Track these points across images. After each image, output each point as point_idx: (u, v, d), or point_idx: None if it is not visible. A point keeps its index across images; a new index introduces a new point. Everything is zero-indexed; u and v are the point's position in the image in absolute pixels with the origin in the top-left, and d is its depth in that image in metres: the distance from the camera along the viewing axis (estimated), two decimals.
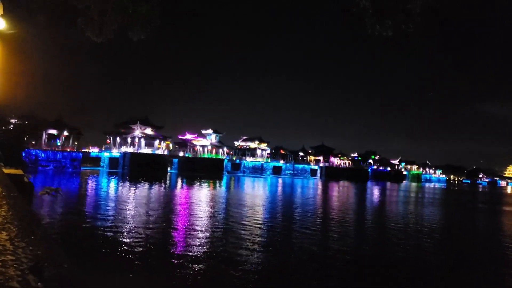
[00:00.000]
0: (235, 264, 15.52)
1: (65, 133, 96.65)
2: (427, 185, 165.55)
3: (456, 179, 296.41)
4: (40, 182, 50.09)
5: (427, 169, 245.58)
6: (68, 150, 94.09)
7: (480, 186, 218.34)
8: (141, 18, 6.73)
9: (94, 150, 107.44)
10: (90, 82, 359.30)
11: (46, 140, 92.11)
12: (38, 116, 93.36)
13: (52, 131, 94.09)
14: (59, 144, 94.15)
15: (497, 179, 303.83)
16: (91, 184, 56.55)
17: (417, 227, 29.50)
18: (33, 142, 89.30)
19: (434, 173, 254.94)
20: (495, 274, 17.38)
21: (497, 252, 22.42)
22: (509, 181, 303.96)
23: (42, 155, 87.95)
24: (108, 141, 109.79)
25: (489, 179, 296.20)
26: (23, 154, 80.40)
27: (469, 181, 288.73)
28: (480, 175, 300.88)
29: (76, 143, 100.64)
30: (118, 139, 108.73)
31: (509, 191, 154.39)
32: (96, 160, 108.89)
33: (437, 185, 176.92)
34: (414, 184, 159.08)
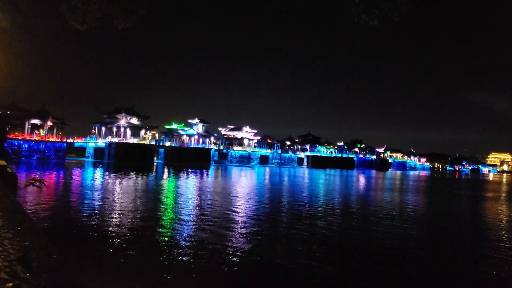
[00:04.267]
0: (225, 250, 15.62)
1: (49, 123, 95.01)
2: (411, 173, 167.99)
3: (440, 166, 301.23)
4: (24, 173, 49.35)
5: (412, 157, 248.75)
6: (52, 140, 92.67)
7: (463, 173, 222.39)
8: (126, 7, 6.62)
9: (79, 140, 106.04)
10: (75, 72, 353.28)
11: (29, 131, 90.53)
12: (21, 106, 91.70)
13: (36, 121, 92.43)
14: (43, 134, 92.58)
15: (480, 166, 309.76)
16: (76, 174, 55.95)
17: (402, 213, 30.01)
18: (16, 133, 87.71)
19: (419, 161, 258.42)
20: (473, 254, 17.83)
21: (473, 233, 23.01)
22: (491, 168, 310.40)
23: (26, 145, 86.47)
24: (93, 131, 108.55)
25: (472, 167, 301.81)
26: (5, 145, 78.94)
27: (452, 168, 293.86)
28: (464, 163, 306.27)
29: (60, 133, 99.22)
30: (103, 129, 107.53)
31: (490, 178, 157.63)
32: (81, 151, 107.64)
33: (422, 172, 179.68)
34: (399, 172, 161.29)
